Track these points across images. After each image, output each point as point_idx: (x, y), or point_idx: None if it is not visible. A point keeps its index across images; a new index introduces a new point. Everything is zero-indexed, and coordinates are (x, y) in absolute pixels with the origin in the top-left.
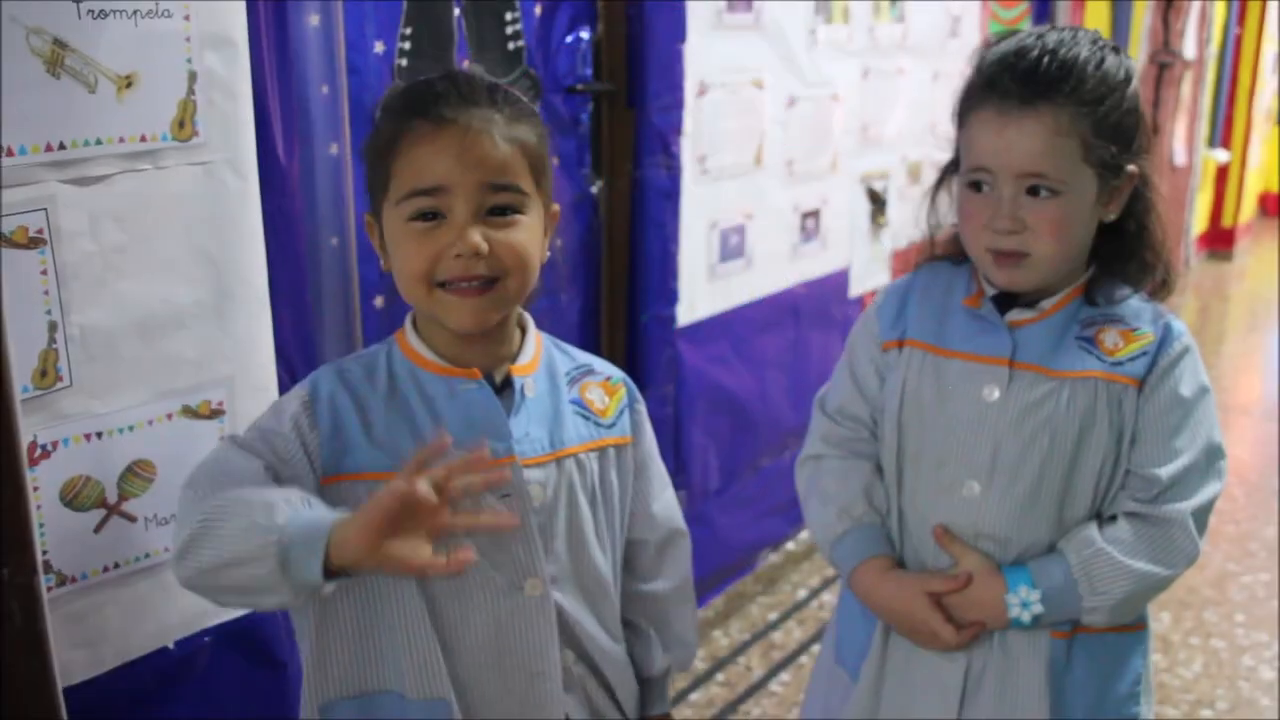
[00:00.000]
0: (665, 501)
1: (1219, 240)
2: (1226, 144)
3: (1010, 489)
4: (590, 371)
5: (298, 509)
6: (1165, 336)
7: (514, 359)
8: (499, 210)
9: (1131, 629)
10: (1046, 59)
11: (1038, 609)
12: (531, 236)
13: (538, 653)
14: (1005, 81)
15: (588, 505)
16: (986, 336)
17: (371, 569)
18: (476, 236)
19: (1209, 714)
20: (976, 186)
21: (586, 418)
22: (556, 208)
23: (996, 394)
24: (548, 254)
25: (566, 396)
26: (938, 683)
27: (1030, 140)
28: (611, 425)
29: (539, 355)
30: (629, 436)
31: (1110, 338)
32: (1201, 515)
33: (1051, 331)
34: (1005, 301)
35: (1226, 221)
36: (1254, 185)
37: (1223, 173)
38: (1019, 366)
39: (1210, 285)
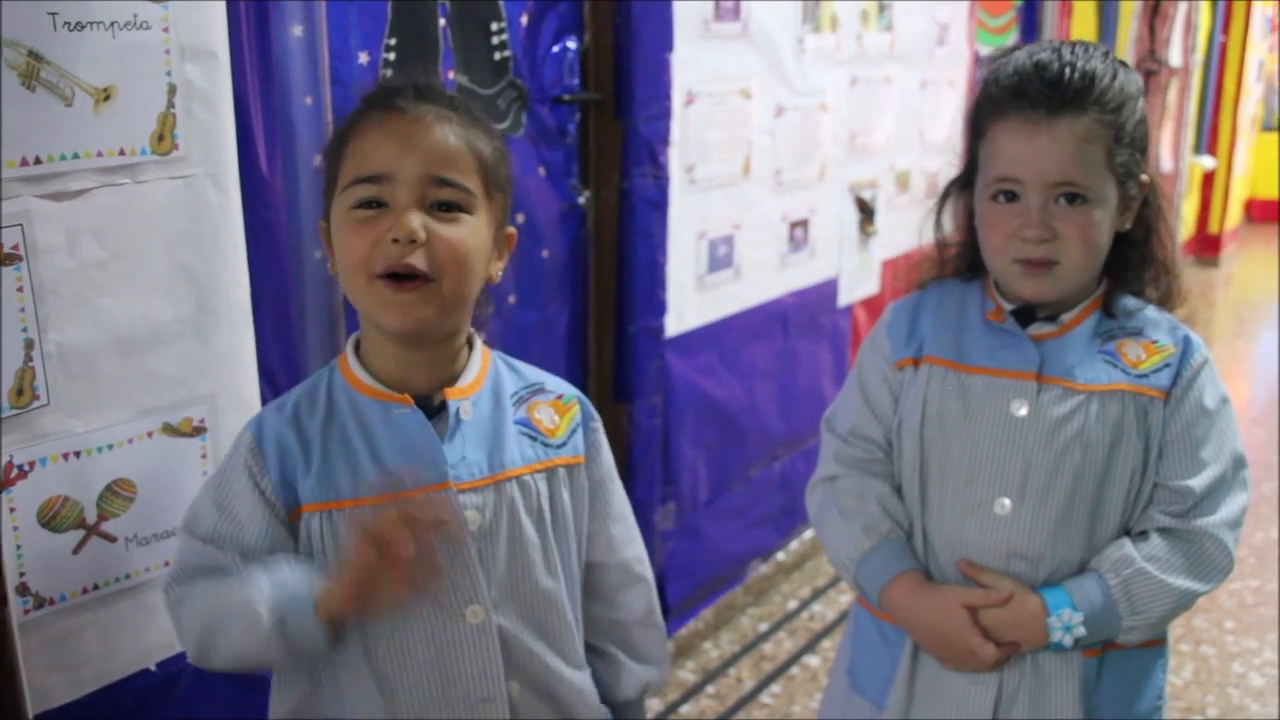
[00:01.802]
0: (625, 525)
1: (1205, 246)
2: (1212, 151)
3: (1043, 505)
4: (541, 390)
5: (278, 598)
6: (1186, 349)
7: (455, 380)
8: (443, 206)
9: (1155, 644)
10: (1068, 70)
11: (1080, 631)
12: (474, 238)
13: (483, 681)
14: (1032, 91)
15: (534, 528)
16: (1010, 351)
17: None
18: (414, 222)
19: None
20: (1002, 197)
21: (533, 438)
22: (513, 231)
23: (1025, 409)
24: (498, 277)
25: (511, 417)
26: (968, 706)
27: (1061, 148)
28: (561, 445)
29: (483, 375)
30: (581, 456)
31: (1133, 350)
32: (1234, 528)
33: (1075, 345)
34: (1023, 317)
35: (1213, 228)
36: (1239, 191)
37: (1209, 179)
38: (1046, 380)
39: (1197, 291)
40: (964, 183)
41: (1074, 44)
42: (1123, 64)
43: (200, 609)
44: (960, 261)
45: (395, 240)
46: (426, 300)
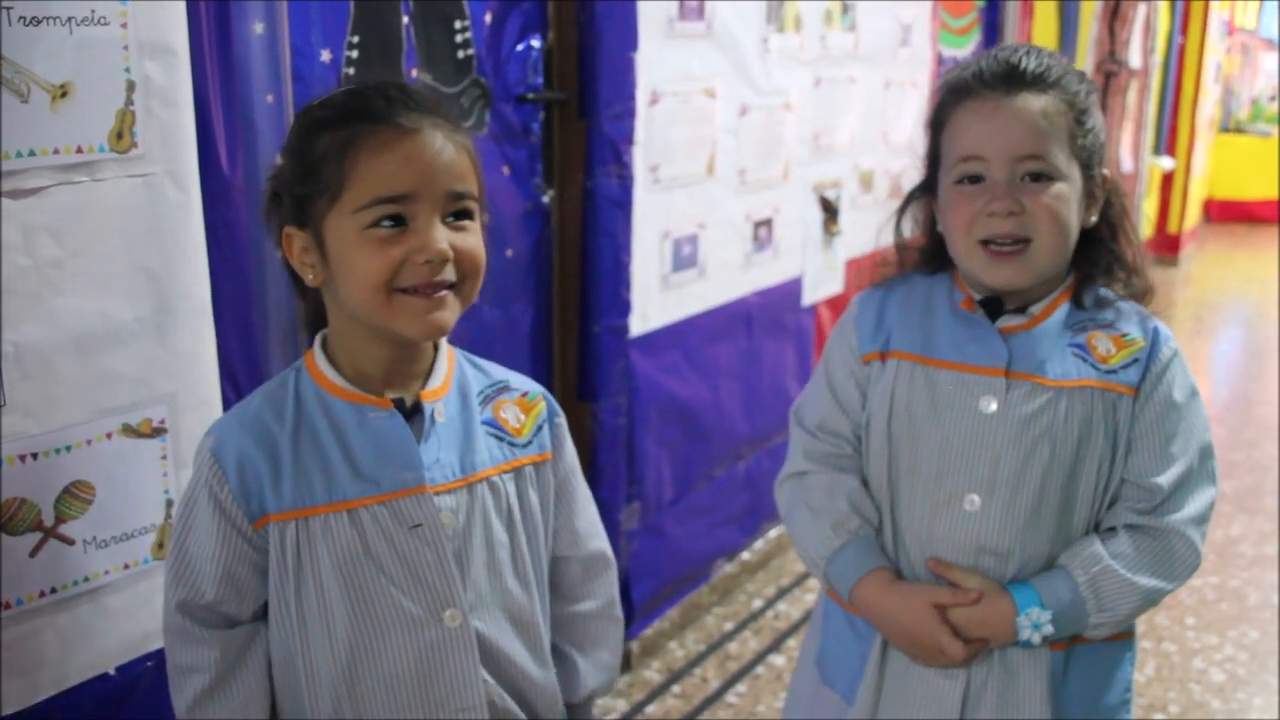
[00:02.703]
0: (589, 518)
1: (1165, 246)
2: (1171, 151)
3: (1013, 502)
4: (505, 388)
5: None
6: (1155, 342)
7: (425, 379)
8: (455, 215)
9: (1123, 637)
10: (1027, 56)
11: (1048, 629)
12: (481, 240)
13: (462, 686)
14: (991, 74)
15: (504, 529)
16: (978, 345)
17: None
18: (444, 243)
19: (1161, 718)
20: (966, 181)
21: (500, 438)
22: (487, 215)
23: (994, 405)
24: None
25: (479, 417)
26: (936, 700)
27: (1024, 121)
28: (527, 444)
29: (450, 375)
30: (548, 453)
31: (1103, 344)
32: (1201, 523)
33: (1044, 338)
34: (991, 309)
35: (1172, 228)
36: (1198, 192)
37: (1168, 180)
38: (1015, 376)
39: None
40: (926, 187)
41: (1030, 47)
42: (1080, 71)
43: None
44: (921, 258)
45: (427, 261)
46: (454, 309)
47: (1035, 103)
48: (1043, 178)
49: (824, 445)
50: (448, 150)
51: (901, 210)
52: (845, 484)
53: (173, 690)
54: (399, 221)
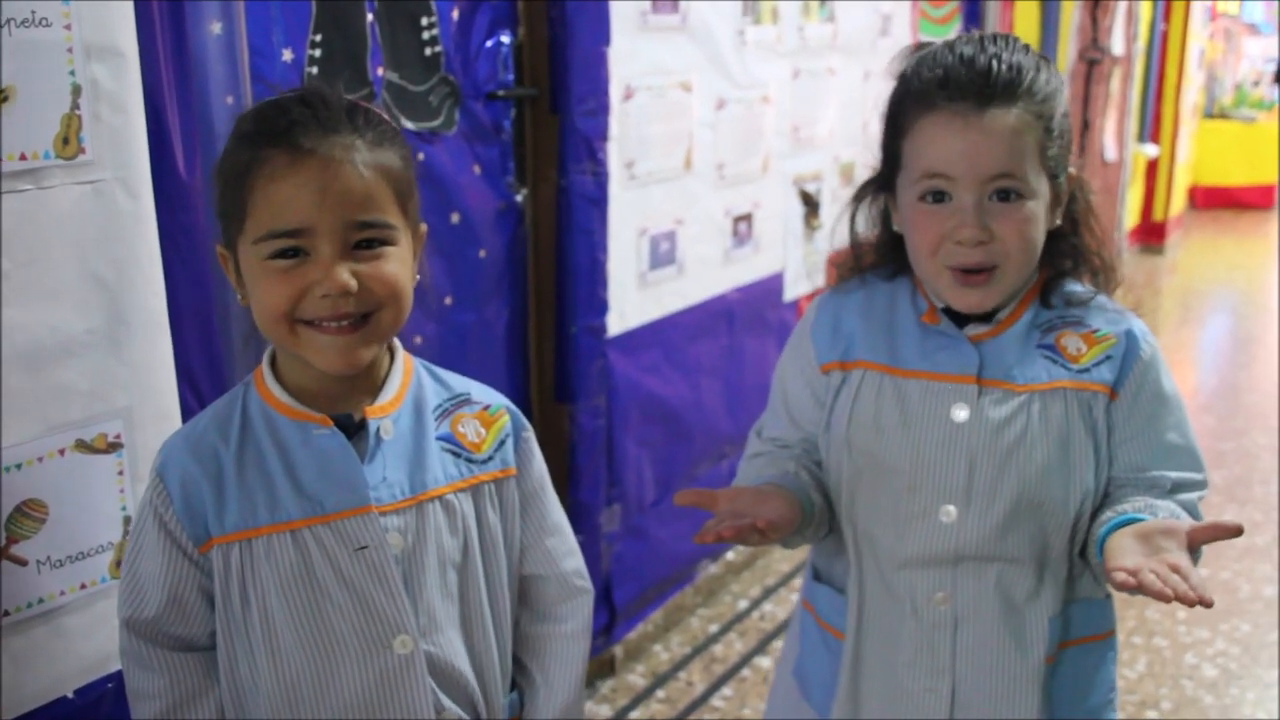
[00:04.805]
0: (561, 536)
1: (1150, 234)
2: (1155, 139)
3: (989, 510)
4: (466, 401)
5: None
6: (1131, 341)
7: (376, 394)
8: (365, 244)
9: (1103, 636)
10: (995, 61)
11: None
12: (402, 266)
13: (414, 712)
14: (959, 83)
15: (458, 549)
16: (947, 353)
17: None
18: (345, 275)
19: (1154, 715)
20: (931, 198)
21: (457, 454)
22: (424, 227)
23: (965, 414)
24: (419, 277)
25: (433, 433)
26: (922, 710)
27: (994, 140)
28: (487, 460)
29: (405, 389)
30: (511, 469)
31: (1073, 343)
32: (1197, 510)
33: (1013, 343)
34: (957, 315)
35: (1157, 215)
36: (1183, 179)
37: (1152, 167)
38: (986, 383)
39: (1142, 279)
40: (883, 184)
41: (995, 36)
42: (1044, 58)
43: None
44: (880, 261)
45: (325, 295)
46: (365, 340)
47: (1005, 119)
48: (1012, 196)
49: (766, 446)
50: (351, 176)
51: (855, 206)
52: (792, 462)
53: (132, 715)
54: (299, 253)
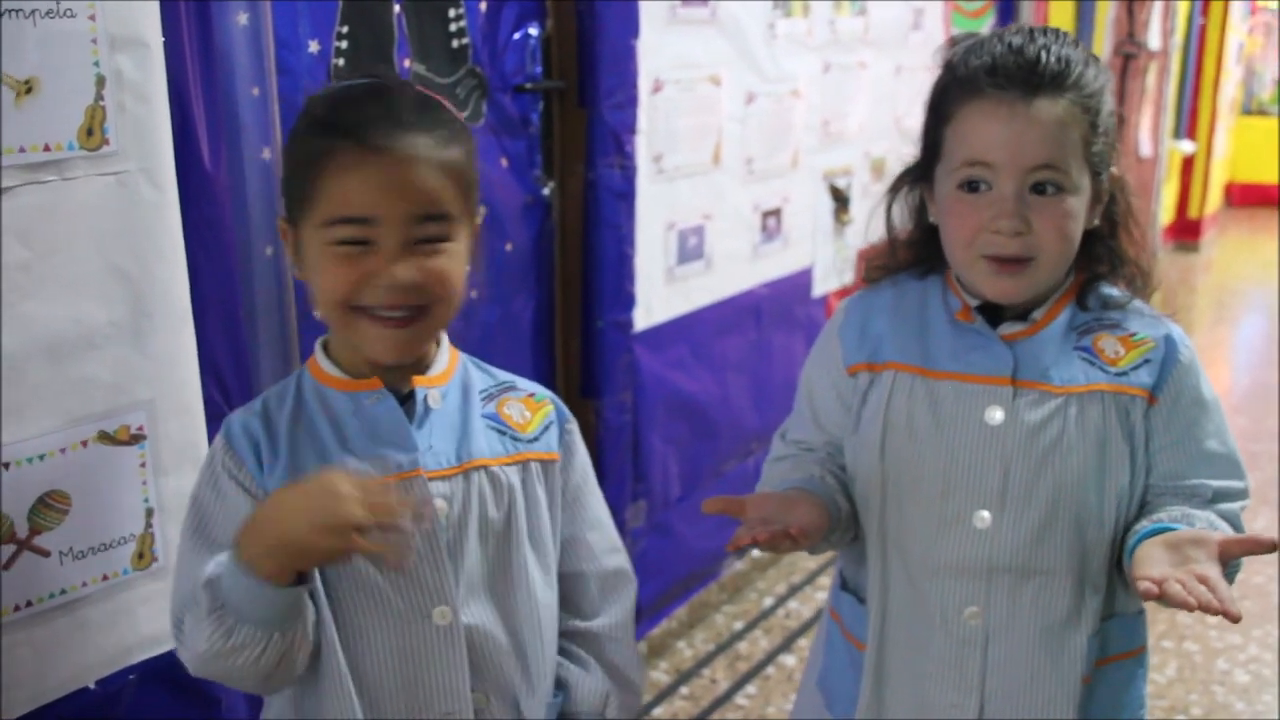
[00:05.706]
0: (604, 532)
1: (1185, 231)
2: (1192, 135)
3: (1024, 516)
4: (512, 388)
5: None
6: (1170, 346)
7: (424, 370)
8: (426, 239)
9: (1135, 652)
10: (1045, 52)
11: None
12: (459, 263)
13: (449, 689)
14: (1007, 71)
15: (503, 521)
16: (980, 353)
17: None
18: (406, 271)
19: None
20: (969, 186)
21: (503, 433)
22: (483, 210)
23: (1000, 416)
24: (468, 267)
25: (479, 411)
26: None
27: (1039, 130)
28: (534, 440)
29: (452, 370)
30: (555, 453)
31: (1110, 346)
32: (1238, 521)
33: (1050, 343)
34: (990, 314)
35: (1193, 213)
36: (1219, 176)
37: (1188, 164)
38: (1021, 385)
39: (1177, 277)
40: (920, 174)
41: (1045, 29)
42: (1093, 55)
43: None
44: (914, 257)
45: (386, 286)
46: (419, 335)
47: (1052, 110)
48: (1053, 189)
49: (790, 449)
50: (420, 172)
51: (891, 197)
52: (818, 466)
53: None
54: (363, 241)
